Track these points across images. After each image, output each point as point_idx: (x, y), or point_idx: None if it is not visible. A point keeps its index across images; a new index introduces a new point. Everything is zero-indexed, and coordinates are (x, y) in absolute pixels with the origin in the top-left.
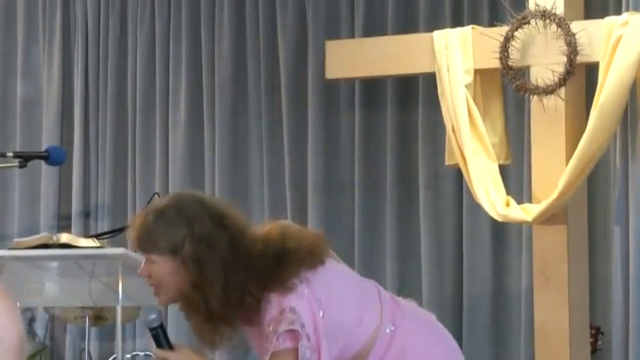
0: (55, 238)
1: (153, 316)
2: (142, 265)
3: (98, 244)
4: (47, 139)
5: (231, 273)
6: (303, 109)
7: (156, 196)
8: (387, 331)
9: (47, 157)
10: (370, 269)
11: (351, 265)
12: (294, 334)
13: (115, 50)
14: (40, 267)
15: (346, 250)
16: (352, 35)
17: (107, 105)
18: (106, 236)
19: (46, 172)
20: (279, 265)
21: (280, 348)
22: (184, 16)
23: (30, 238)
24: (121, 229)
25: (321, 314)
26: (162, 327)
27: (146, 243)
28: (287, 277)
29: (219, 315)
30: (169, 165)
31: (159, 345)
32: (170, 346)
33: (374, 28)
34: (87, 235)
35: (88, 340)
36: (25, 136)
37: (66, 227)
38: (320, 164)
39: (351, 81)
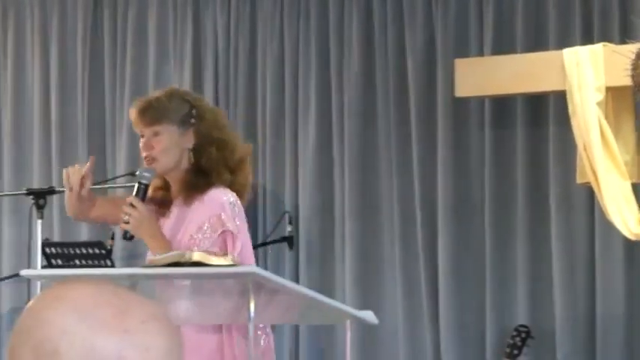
0: (187, 256)
1: (147, 174)
2: (144, 141)
3: (230, 262)
4: None
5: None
6: (433, 128)
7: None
8: None
9: None
10: (501, 290)
11: (482, 285)
12: (230, 235)
13: (244, 70)
14: (172, 285)
15: (477, 270)
16: (481, 54)
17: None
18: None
19: None
20: (240, 168)
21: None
22: (313, 38)
23: (163, 256)
24: None
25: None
26: (147, 187)
27: (157, 115)
28: (241, 183)
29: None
30: (299, 183)
31: (137, 195)
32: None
33: (503, 46)
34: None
35: None
36: None
37: None
38: (449, 183)
39: (480, 99)
